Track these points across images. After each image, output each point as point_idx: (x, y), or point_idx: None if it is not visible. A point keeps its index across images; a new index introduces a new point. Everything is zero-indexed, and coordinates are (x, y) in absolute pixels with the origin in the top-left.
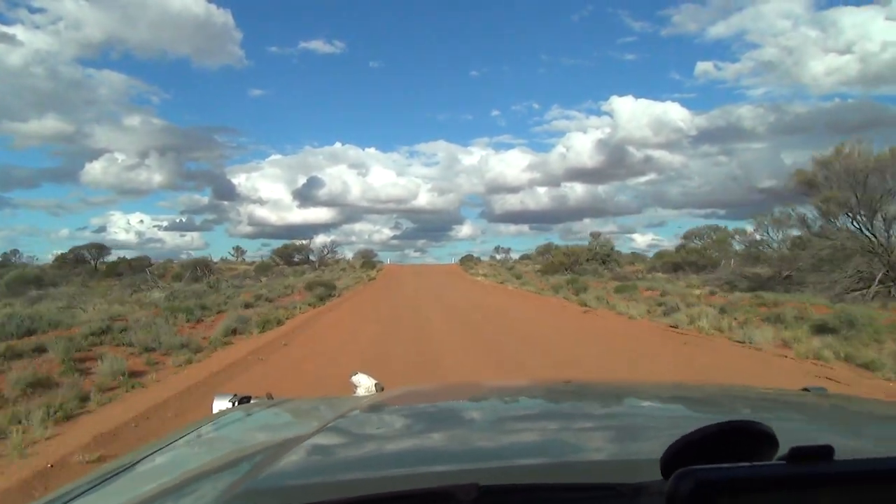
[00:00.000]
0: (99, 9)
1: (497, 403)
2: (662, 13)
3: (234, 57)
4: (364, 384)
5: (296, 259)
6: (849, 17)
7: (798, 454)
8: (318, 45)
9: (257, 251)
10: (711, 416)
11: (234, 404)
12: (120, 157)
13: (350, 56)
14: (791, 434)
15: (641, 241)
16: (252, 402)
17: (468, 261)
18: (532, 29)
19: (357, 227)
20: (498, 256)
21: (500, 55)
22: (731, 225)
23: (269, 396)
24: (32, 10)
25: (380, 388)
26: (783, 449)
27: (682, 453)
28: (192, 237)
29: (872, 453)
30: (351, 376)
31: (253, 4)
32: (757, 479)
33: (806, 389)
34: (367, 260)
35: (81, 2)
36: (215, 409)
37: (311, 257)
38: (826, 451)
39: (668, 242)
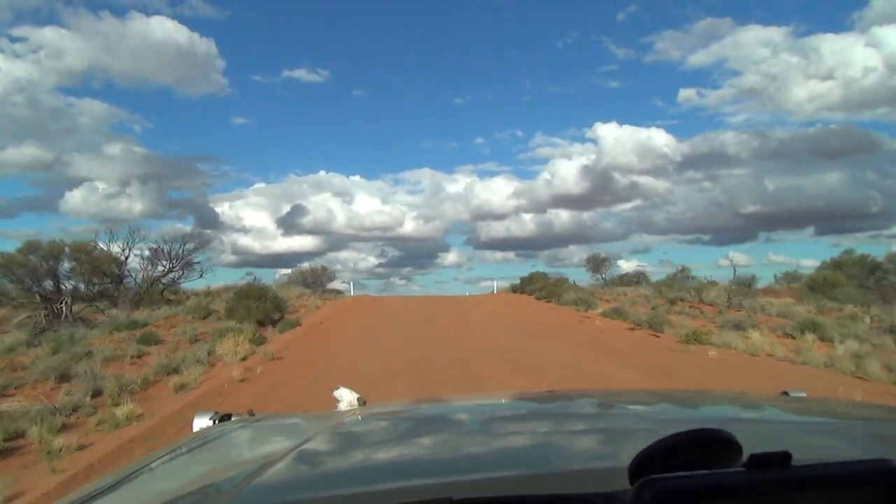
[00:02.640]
0: (80, 38)
1: (476, 415)
2: (645, 40)
3: (217, 85)
4: (346, 398)
5: (35, 290)
6: (829, 44)
7: (756, 461)
8: (301, 74)
9: (240, 280)
10: (685, 422)
11: (214, 422)
12: (101, 185)
13: (334, 84)
14: (757, 440)
15: (627, 267)
16: (233, 419)
17: (540, 285)
18: (516, 56)
19: (342, 255)
20: (598, 274)
21: (484, 83)
22: (717, 251)
23: (251, 413)
24: (13, 40)
25: (362, 401)
26: (747, 455)
27: (648, 462)
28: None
29: (831, 458)
30: (333, 391)
31: (236, 33)
32: (716, 487)
33: (785, 393)
34: (249, 297)
35: (63, 31)
36: (195, 428)
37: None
38: (783, 458)
39: (653, 268)
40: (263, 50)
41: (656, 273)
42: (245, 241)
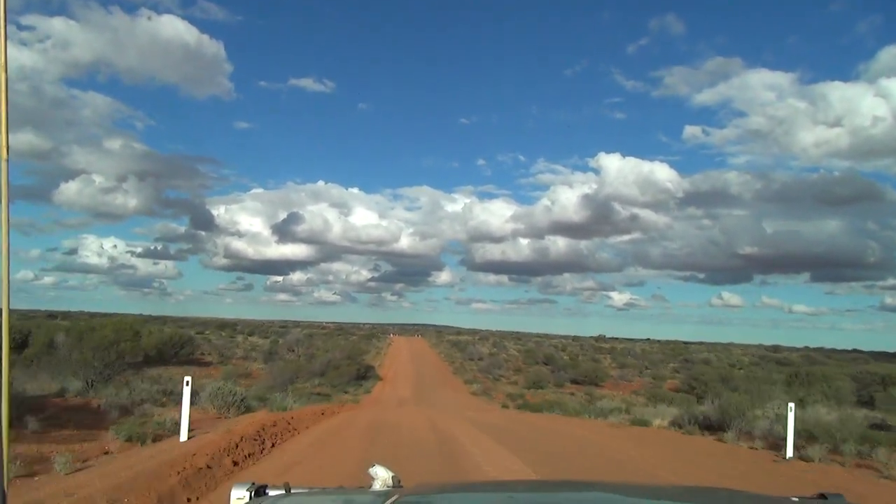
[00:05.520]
0: (88, 30)
1: None
2: (654, 74)
3: (222, 88)
4: (381, 476)
5: None
6: (837, 92)
7: None
8: (307, 83)
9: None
10: None
11: (251, 494)
12: (97, 179)
13: (339, 96)
14: None
15: (619, 299)
16: (269, 493)
17: None
18: (525, 81)
19: (335, 266)
20: None
21: (490, 104)
22: (710, 290)
23: (287, 487)
24: (21, 28)
25: (396, 480)
26: None
27: None
28: (165, 266)
29: None
30: (369, 468)
31: (246, 38)
32: None
33: (823, 496)
34: None
35: (71, 22)
36: (233, 499)
37: None
38: None
39: (646, 303)
40: (272, 57)
41: (649, 308)
42: (238, 245)
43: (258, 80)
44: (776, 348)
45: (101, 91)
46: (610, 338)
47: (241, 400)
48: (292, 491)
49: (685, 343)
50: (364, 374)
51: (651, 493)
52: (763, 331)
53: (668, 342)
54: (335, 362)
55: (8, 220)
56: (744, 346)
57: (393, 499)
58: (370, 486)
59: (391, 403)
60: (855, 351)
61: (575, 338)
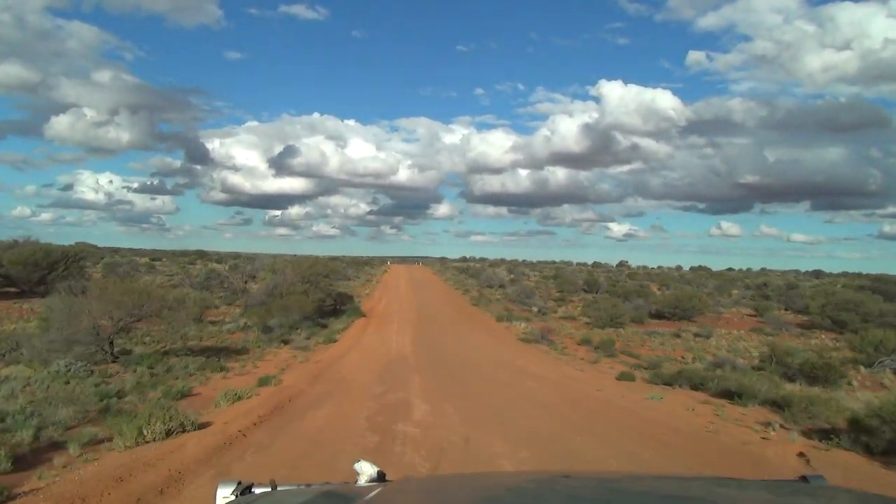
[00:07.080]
0: None
1: (504, 497)
2: None
3: (211, 16)
4: (366, 472)
5: None
6: (846, 13)
7: None
8: (299, 10)
9: (230, 218)
10: None
11: (237, 494)
12: (89, 112)
13: (333, 23)
14: None
15: (618, 230)
16: (255, 490)
17: None
18: (523, 4)
19: (333, 199)
20: None
21: (488, 31)
22: (710, 220)
23: (273, 484)
24: None
25: (382, 475)
26: None
27: None
28: (163, 201)
29: None
30: (354, 463)
31: None
32: None
33: (804, 479)
34: None
35: None
36: (219, 497)
37: None
38: None
39: (645, 233)
40: None
41: (648, 238)
42: (235, 179)
43: (248, 7)
44: (818, 273)
45: (86, 21)
46: (631, 266)
47: None
48: (278, 488)
49: (717, 271)
50: (336, 308)
51: (636, 482)
52: (760, 259)
53: (697, 269)
54: (283, 288)
55: None
56: (780, 272)
57: (377, 492)
58: (356, 482)
59: (362, 388)
60: None
61: (596, 264)
